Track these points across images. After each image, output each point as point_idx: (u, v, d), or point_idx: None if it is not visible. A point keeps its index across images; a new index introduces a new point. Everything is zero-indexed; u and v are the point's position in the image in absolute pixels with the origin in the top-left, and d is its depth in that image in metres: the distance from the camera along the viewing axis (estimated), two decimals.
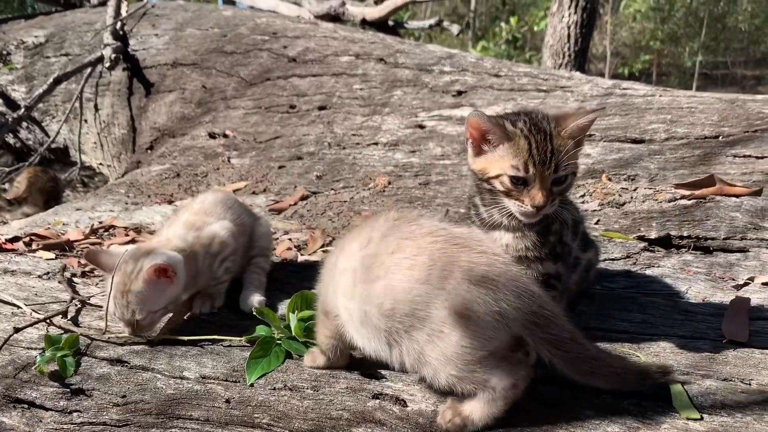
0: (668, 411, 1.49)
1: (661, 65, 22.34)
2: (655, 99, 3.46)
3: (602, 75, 19.51)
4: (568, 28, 7.60)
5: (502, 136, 1.59)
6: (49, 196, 5.44)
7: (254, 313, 2.02)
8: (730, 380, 1.58)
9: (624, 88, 3.72)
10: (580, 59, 7.74)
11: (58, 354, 1.97)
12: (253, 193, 3.75)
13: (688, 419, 1.45)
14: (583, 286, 2.00)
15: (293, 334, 1.93)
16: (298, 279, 2.36)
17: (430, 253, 1.44)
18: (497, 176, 1.60)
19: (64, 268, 2.72)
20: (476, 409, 1.44)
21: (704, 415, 1.46)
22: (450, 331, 1.39)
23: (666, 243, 2.41)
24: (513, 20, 16.35)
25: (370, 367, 1.76)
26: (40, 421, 1.86)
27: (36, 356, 2.01)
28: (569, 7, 7.52)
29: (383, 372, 1.74)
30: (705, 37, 21.02)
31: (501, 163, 1.59)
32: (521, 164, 1.55)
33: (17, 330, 2.13)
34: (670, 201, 2.60)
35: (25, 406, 1.91)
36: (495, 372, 1.41)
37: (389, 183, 3.42)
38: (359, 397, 1.67)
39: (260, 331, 1.97)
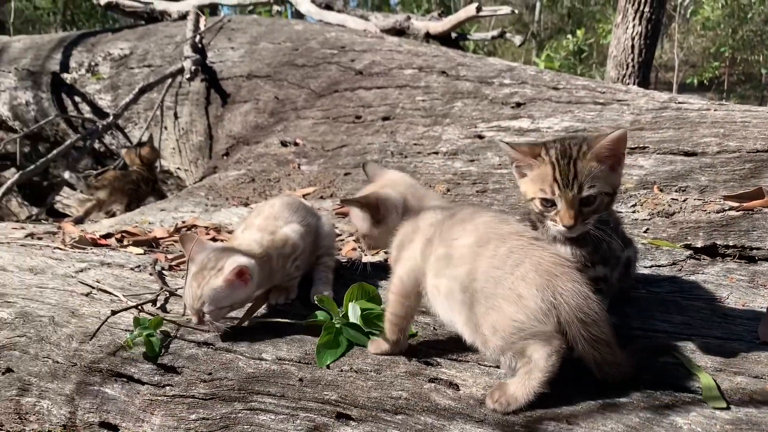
0: (698, 401, 1.63)
1: (733, 74, 21.67)
2: (710, 113, 3.54)
3: (670, 84, 19.09)
4: (632, 39, 7.60)
5: (531, 163, 1.78)
6: (131, 198, 5.85)
7: (315, 302, 2.19)
8: (761, 378, 1.68)
9: (679, 102, 3.80)
10: (644, 70, 7.72)
11: (145, 333, 2.23)
12: (321, 197, 4.01)
13: (714, 408, 1.59)
14: (624, 283, 2.15)
15: (351, 321, 2.11)
16: (361, 276, 2.56)
17: (510, 246, 1.66)
18: (532, 199, 1.79)
19: (155, 262, 3.02)
20: (519, 387, 1.64)
21: (731, 406, 1.59)
22: (507, 305, 1.61)
23: (712, 252, 2.52)
24: (580, 32, 16.27)
25: (426, 355, 1.95)
26: (138, 393, 2.12)
27: (127, 335, 2.30)
28: (633, 18, 7.52)
29: (438, 359, 1.92)
30: None
31: (533, 186, 1.78)
32: (547, 187, 1.73)
33: (114, 313, 2.39)
34: (718, 212, 2.71)
35: (125, 380, 2.18)
36: (531, 343, 1.61)
37: (448, 190, 3.62)
38: (417, 380, 1.87)
39: (320, 316, 2.16)
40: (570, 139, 1.79)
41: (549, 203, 1.75)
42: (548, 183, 1.73)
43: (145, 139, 6.87)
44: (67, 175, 5.69)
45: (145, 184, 5.92)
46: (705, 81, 19.17)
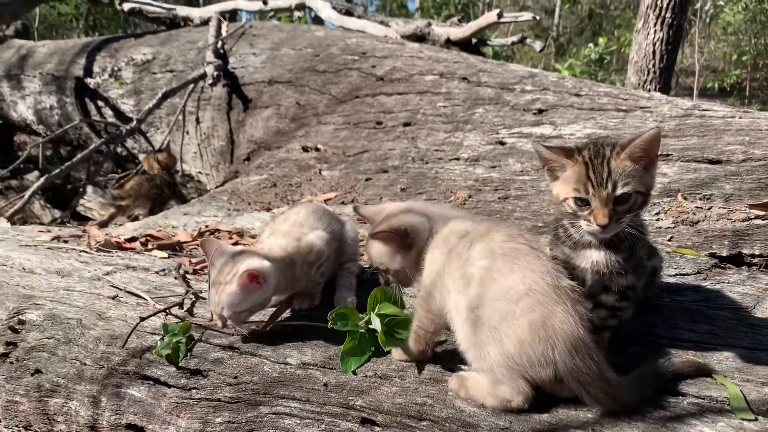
0: (725, 412, 1.63)
1: (756, 79, 21.42)
2: (735, 121, 3.51)
3: (691, 89, 18.93)
4: (654, 45, 7.55)
5: (564, 163, 1.78)
6: (154, 203, 5.92)
7: (333, 316, 2.13)
8: None
9: (703, 110, 3.77)
10: (665, 76, 7.67)
11: (174, 339, 2.26)
12: (342, 203, 4.03)
13: (743, 419, 1.59)
14: (648, 292, 2.14)
15: (373, 327, 2.10)
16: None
17: (528, 287, 1.65)
18: (565, 200, 1.78)
19: (180, 266, 3.06)
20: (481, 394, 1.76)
21: (759, 417, 1.58)
22: (508, 342, 1.64)
23: (737, 261, 2.51)
24: (602, 41, 16.21)
25: (451, 362, 1.96)
26: (164, 396, 2.15)
27: (157, 341, 2.32)
28: (655, 24, 7.48)
29: (463, 367, 1.92)
30: None
31: (566, 187, 1.77)
32: (581, 186, 1.72)
33: (142, 319, 2.43)
34: (743, 220, 2.69)
35: (151, 382, 2.21)
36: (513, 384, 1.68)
37: (470, 196, 3.62)
38: (441, 387, 1.88)
39: (340, 318, 2.14)
40: (602, 140, 1.80)
41: (583, 202, 1.74)
42: (582, 182, 1.72)
43: (165, 144, 6.97)
44: (90, 190, 5.76)
45: (168, 188, 5.98)
46: (726, 86, 18.98)
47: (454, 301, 1.80)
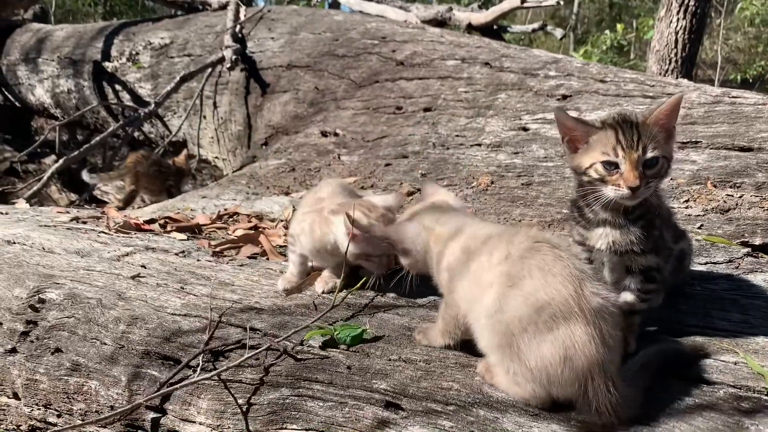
0: (764, 401, 1.58)
1: None
2: (766, 108, 3.42)
3: (711, 81, 18.67)
4: (676, 33, 7.42)
5: (589, 130, 1.76)
6: (162, 183, 5.71)
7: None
8: None
9: (733, 97, 3.68)
10: (687, 65, 7.54)
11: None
12: (362, 188, 3.99)
13: None
14: (678, 278, 2.09)
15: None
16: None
17: (548, 297, 1.58)
18: (591, 166, 1.75)
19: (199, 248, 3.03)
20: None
21: None
22: (528, 354, 1.60)
23: None
24: (620, 27, 15.98)
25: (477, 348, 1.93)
26: (186, 378, 2.14)
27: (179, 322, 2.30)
28: (678, 12, 7.34)
29: None
30: None
31: (593, 153, 1.74)
32: (610, 150, 1.70)
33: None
34: None
35: (172, 363, 2.19)
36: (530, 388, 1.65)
37: (492, 182, 3.57)
38: (468, 372, 1.84)
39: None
40: (625, 111, 1.81)
41: (612, 166, 1.71)
42: (611, 146, 1.70)
43: (184, 128, 6.92)
44: (86, 177, 5.62)
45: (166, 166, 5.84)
46: (749, 78, 18.68)
47: (471, 307, 1.77)
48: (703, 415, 1.55)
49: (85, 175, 5.57)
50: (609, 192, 1.72)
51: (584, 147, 1.78)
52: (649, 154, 1.69)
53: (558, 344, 1.55)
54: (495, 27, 7.04)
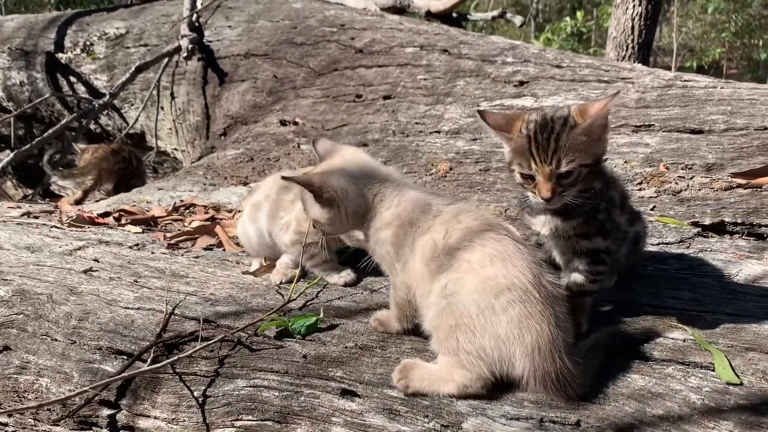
0: (711, 377, 1.61)
1: (732, 59, 21.56)
2: (716, 91, 3.50)
3: (669, 68, 19.00)
4: (632, 20, 7.52)
5: (510, 136, 1.72)
6: (119, 178, 5.61)
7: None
8: None
9: (685, 80, 3.75)
10: (644, 51, 7.65)
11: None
12: None
13: (728, 384, 1.57)
14: (634, 259, 2.12)
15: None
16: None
17: (510, 282, 1.59)
18: (513, 171, 1.76)
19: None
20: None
21: (744, 381, 1.57)
22: (483, 334, 1.60)
23: (720, 229, 2.49)
24: (579, 14, 16.15)
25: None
26: (136, 369, 2.09)
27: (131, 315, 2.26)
28: None
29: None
30: None
31: (514, 159, 1.74)
32: (524, 162, 1.69)
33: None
34: (725, 189, 2.67)
35: (125, 357, 2.15)
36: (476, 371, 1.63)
37: (451, 169, 3.58)
38: (424, 356, 1.84)
39: None
40: (548, 113, 1.73)
41: (527, 176, 1.71)
42: (525, 158, 1.69)
43: (142, 120, 6.80)
44: (47, 167, 5.48)
45: (137, 160, 5.76)
46: (705, 65, 19.08)
47: (422, 282, 1.75)
48: (651, 392, 1.57)
49: (46, 166, 5.46)
50: (530, 196, 1.75)
51: (509, 146, 1.76)
52: (563, 168, 1.66)
53: (515, 324, 1.56)
54: (454, 14, 7.05)
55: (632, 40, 7.60)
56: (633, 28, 7.54)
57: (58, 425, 2.13)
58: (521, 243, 1.69)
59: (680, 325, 1.85)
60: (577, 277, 1.84)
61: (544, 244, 1.90)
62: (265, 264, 2.61)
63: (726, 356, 1.65)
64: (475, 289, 1.60)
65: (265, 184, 2.66)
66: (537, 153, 1.66)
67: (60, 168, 5.81)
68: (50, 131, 5.59)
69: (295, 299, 2.24)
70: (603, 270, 1.85)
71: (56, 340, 2.27)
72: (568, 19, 16.77)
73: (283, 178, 2.03)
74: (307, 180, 1.88)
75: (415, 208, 1.81)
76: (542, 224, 1.83)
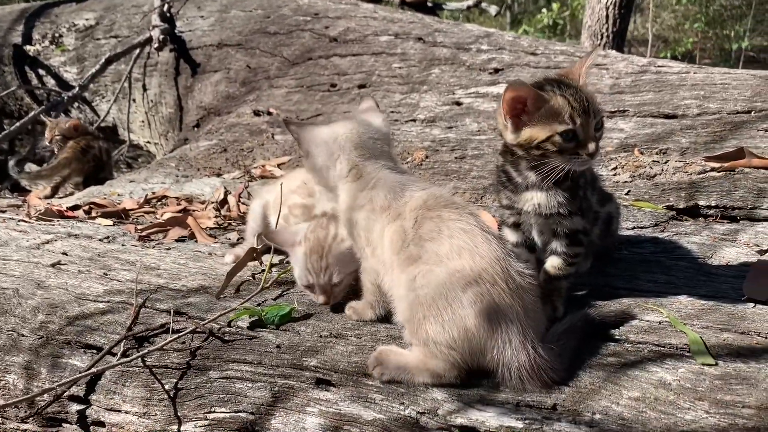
0: (686, 358, 1.61)
1: (705, 49, 21.79)
2: (689, 76, 3.51)
3: (643, 58, 19.13)
4: (607, 8, 7.53)
5: (541, 101, 1.66)
6: (89, 173, 5.48)
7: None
8: (747, 333, 1.67)
9: (659, 66, 3.76)
10: (618, 40, 7.67)
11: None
12: (297, 166, 3.91)
13: (703, 364, 1.57)
14: (607, 241, 2.11)
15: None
16: None
17: (478, 274, 1.58)
18: (548, 138, 1.66)
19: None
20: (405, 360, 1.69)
21: (719, 362, 1.57)
22: (452, 326, 1.58)
23: (694, 212, 2.50)
24: (555, 6, 16.18)
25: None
26: (107, 364, 2.04)
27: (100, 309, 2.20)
28: None
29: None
30: (753, 20, 20.40)
31: (549, 124, 1.66)
32: (568, 118, 1.64)
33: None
34: (699, 173, 2.68)
35: (94, 351, 2.10)
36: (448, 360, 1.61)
37: (426, 157, 3.55)
38: (398, 343, 1.81)
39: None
40: (547, 77, 1.75)
41: (570, 135, 1.65)
42: (568, 114, 1.64)
43: (113, 113, 6.68)
44: (13, 171, 5.32)
45: (107, 155, 5.63)
46: (678, 55, 19.24)
47: (391, 270, 1.73)
48: (627, 374, 1.56)
49: (12, 170, 5.30)
50: (563, 163, 1.67)
51: (534, 119, 1.68)
52: (598, 117, 1.67)
53: (484, 316, 1.54)
54: (429, 4, 7.01)
55: (606, 29, 7.61)
56: (608, 17, 7.55)
57: (26, 422, 2.08)
58: (489, 233, 1.67)
59: (655, 307, 1.85)
60: (555, 261, 1.83)
61: (522, 224, 1.88)
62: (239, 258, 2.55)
63: (701, 337, 1.65)
64: (443, 283, 1.58)
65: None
66: (579, 106, 1.64)
67: (27, 171, 5.67)
68: (18, 124, 5.47)
69: (267, 287, 2.20)
70: (580, 252, 1.84)
71: (23, 335, 2.22)
72: (545, 11, 16.78)
73: (285, 121, 2.04)
74: (287, 122, 1.98)
75: (388, 194, 1.79)
76: (526, 201, 1.80)
